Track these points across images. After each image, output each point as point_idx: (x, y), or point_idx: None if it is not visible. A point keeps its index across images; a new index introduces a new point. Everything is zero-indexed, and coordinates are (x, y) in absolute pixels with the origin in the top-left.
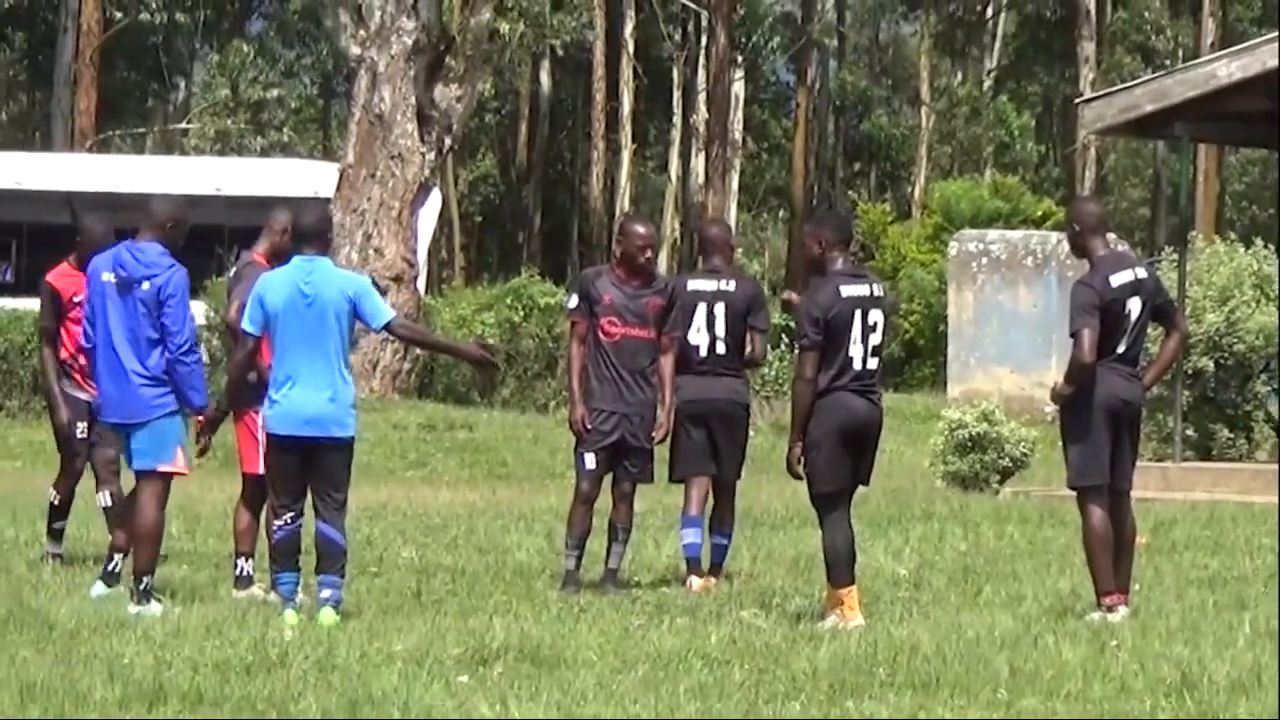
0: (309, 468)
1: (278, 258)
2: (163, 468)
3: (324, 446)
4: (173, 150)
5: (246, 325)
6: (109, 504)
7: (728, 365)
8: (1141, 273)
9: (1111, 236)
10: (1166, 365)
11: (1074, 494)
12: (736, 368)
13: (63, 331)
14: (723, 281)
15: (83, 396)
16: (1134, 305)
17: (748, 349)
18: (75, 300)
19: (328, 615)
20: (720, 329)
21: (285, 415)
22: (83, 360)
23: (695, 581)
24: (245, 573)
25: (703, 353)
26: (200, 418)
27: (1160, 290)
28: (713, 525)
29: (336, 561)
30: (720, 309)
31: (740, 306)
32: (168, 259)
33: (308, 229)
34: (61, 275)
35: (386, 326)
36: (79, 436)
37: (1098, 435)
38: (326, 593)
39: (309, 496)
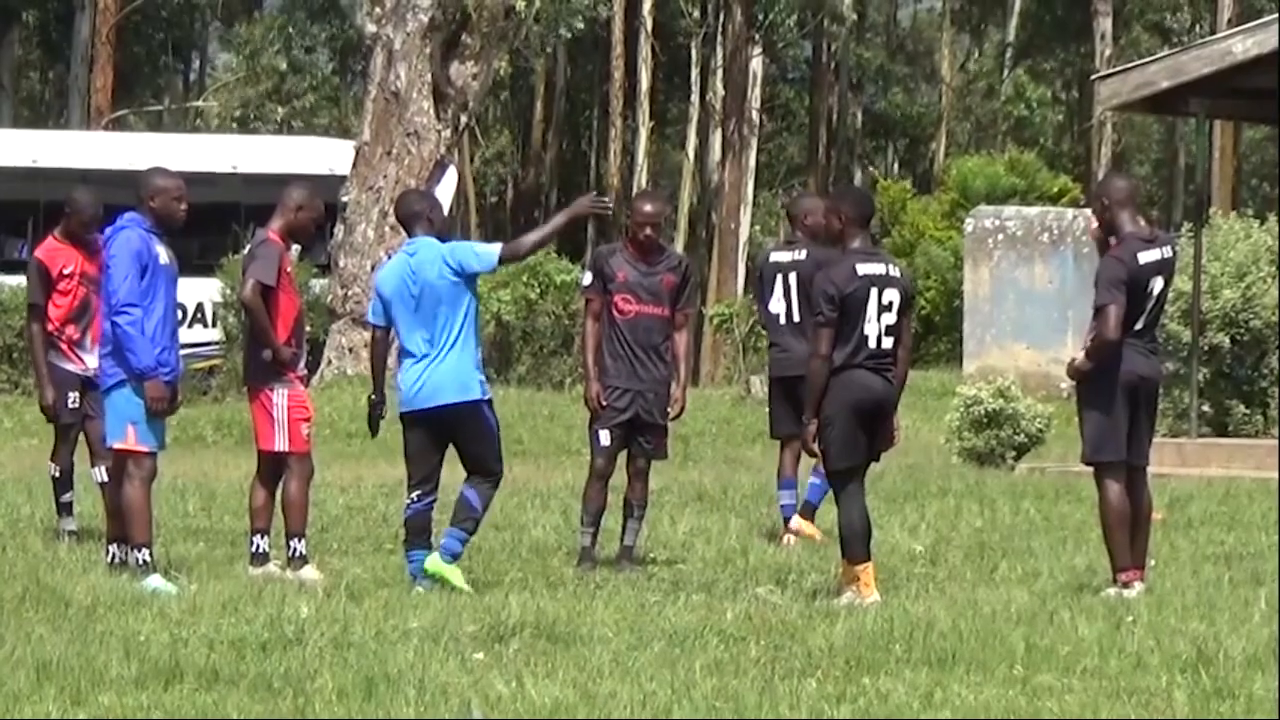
0: (454, 440)
1: (293, 235)
2: (116, 445)
3: (456, 413)
4: (189, 127)
5: (370, 317)
6: (104, 479)
7: (800, 329)
8: (1168, 252)
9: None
10: None
11: (1090, 469)
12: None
13: (50, 304)
14: (796, 252)
15: (71, 367)
16: (1157, 284)
17: None
18: (64, 273)
19: (432, 561)
20: (795, 297)
21: (407, 393)
22: (70, 331)
23: (790, 538)
24: (261, 550)
25: (781, 320)
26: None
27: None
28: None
29: (458, 515)
30: (794, 278)
31: (811, 275)
32: (124, 223)
33: (404, 214)
34: (49, 250)
35: (502, 260)
36: (71, 406)
37: (1115, 411)
38: (444, 541)
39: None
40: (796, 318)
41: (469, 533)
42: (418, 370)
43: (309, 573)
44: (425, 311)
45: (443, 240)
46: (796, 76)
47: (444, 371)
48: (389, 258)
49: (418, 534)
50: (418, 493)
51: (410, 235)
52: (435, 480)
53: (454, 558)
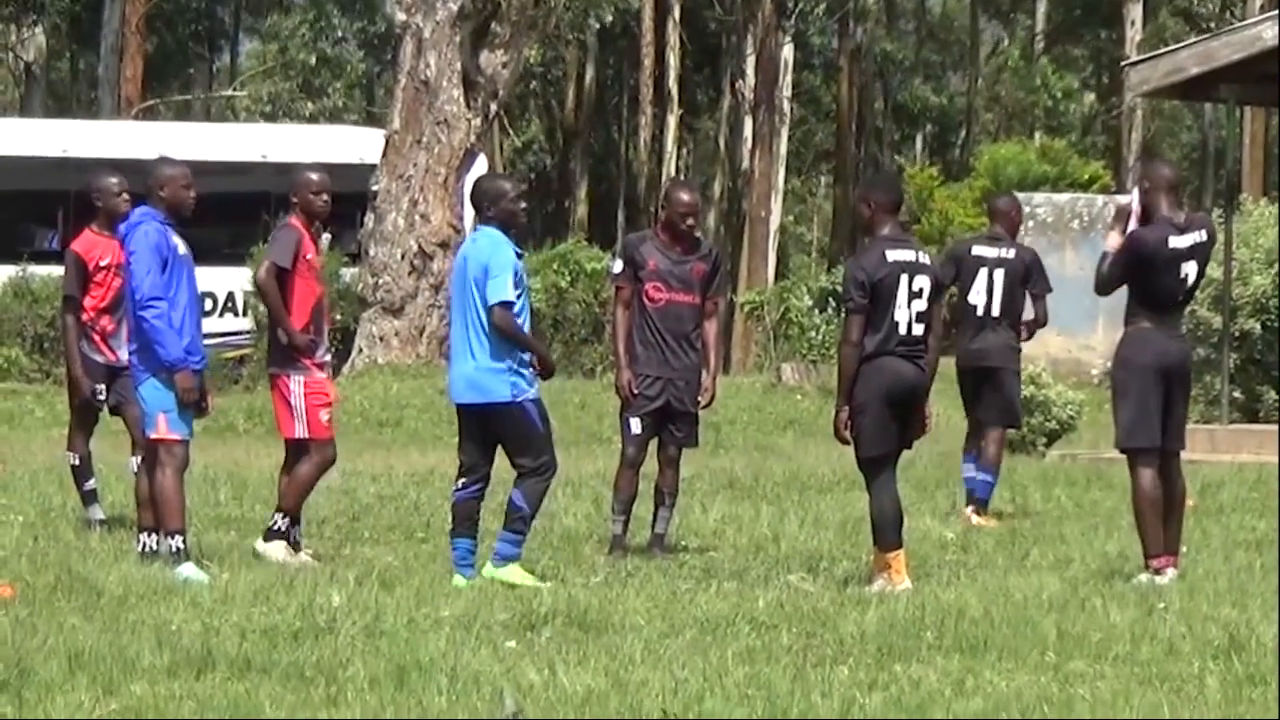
0: (489, 435)
1: (311, 217)
2: (151, 435)
3: (487, 413)
4: (219, 117)
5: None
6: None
7: (998, 324)
8: (1201, 236)
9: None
10: None
11: (1122, 456)
12: (1007, 325)
13: (85, 296)
14: (1003, 249)
15: (100, 359)
16: (1189, 269)
17: (1029, 313)
18: (101, 265)
19: (488, 569)
20: (998, 292)
21: (450, 382)
22: (104, 323)
23: (972, 517)
24: (293, 537)
25: (979, 312)
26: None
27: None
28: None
29: (508, 518)
30: (1000, 274)
31: (1018, 273)
32: (139, 217)
33: (473, 200)
34: (86, 242)
35: (493, 315)
36: (97, 398)
37: (1147, 397)
38: (496, 545)
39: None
40: (996, 312)
41: (519, 533)
42: (453, 361)
43: (275, 549)
44: (462, 302)
45: (505, 232)
46: (820, 63)
47: (465, 370)
48: (421, 246)
49: (461, 521)
50: (463, 480)
51: (480, 221)
52: (482, 471)
53: (505, 560)
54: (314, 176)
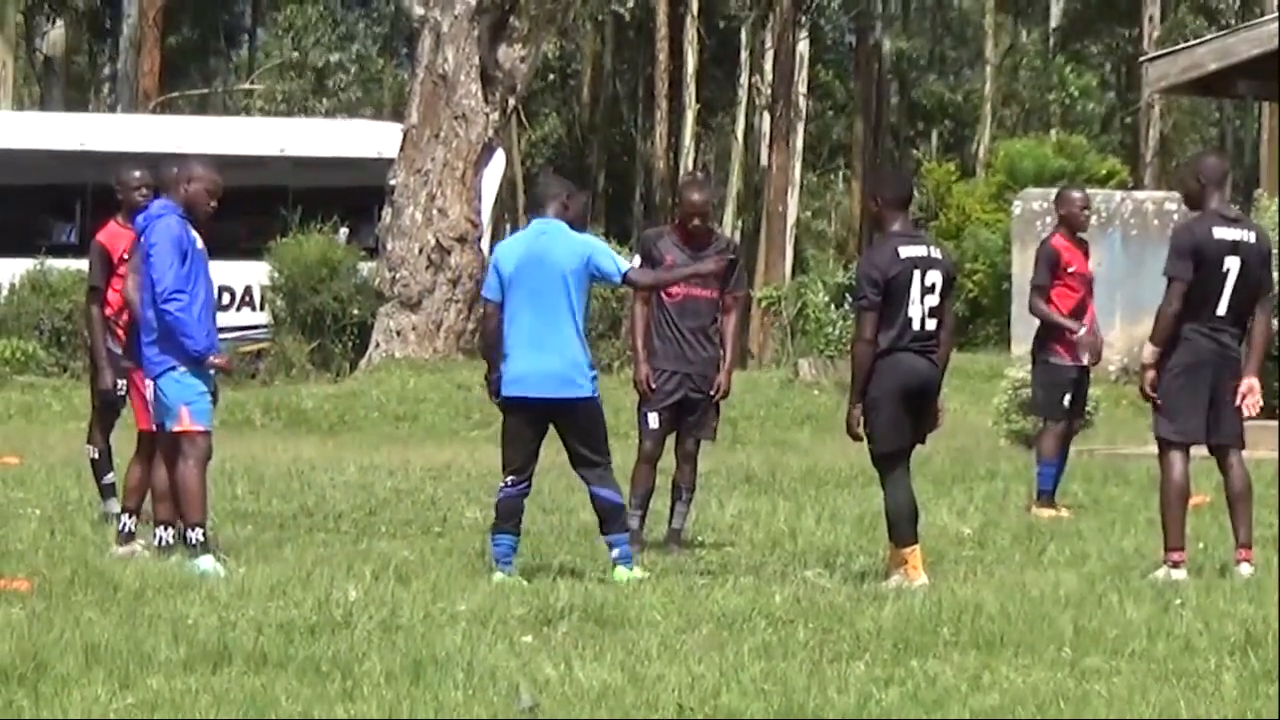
0: (560, 432)
1: (129, 212)
2: (174, 428)
3: (563, 407)
4: (236, 111)
5: (486, 293)
6: None
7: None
8: (1249, 237)
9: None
10: (1259, 349)
11: (1139, 452)
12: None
13: (109, 289)
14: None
15: (121, 352)
16: (1232, 264)
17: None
18: (125, 257)
19: (620, 573)
20: None
21: (517, 378)
22: (125, 317)
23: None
24: (126, 529)
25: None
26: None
27: (1266, 260)
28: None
29: (618, 520)
30: None
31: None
32: (159, 210)
33: (538, 195)
34: (111, 233)
35: (625, 277)
36: (118, 393)
37: (1187, 391)
38: (615, 551)
39: (538, 464)
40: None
41: (627, 529)
42: (527, 355)
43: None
44: (544, 296)
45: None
46: (834, 59)
47: (553, 362)
48: (439, 241)
49: (509, 518)
50: (512, 478)
51: (537, 215)
52: (531, 468)
53: (631, 559)
54: (138, 174)
